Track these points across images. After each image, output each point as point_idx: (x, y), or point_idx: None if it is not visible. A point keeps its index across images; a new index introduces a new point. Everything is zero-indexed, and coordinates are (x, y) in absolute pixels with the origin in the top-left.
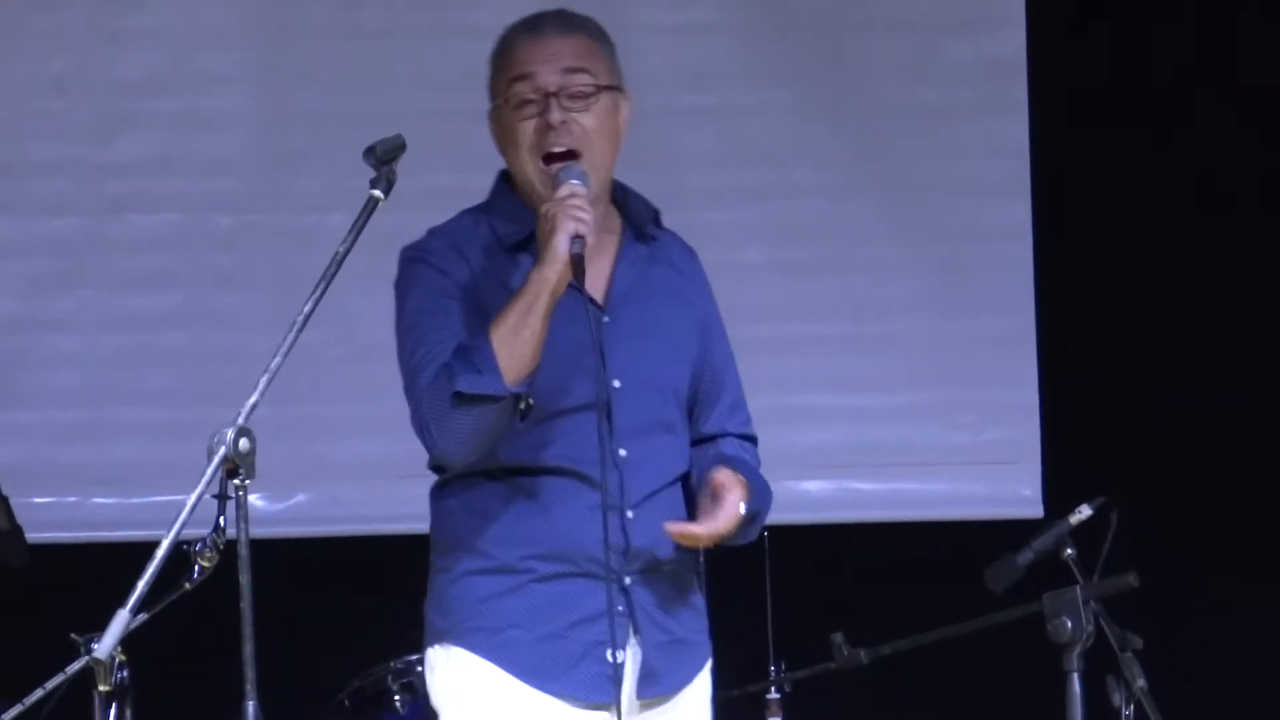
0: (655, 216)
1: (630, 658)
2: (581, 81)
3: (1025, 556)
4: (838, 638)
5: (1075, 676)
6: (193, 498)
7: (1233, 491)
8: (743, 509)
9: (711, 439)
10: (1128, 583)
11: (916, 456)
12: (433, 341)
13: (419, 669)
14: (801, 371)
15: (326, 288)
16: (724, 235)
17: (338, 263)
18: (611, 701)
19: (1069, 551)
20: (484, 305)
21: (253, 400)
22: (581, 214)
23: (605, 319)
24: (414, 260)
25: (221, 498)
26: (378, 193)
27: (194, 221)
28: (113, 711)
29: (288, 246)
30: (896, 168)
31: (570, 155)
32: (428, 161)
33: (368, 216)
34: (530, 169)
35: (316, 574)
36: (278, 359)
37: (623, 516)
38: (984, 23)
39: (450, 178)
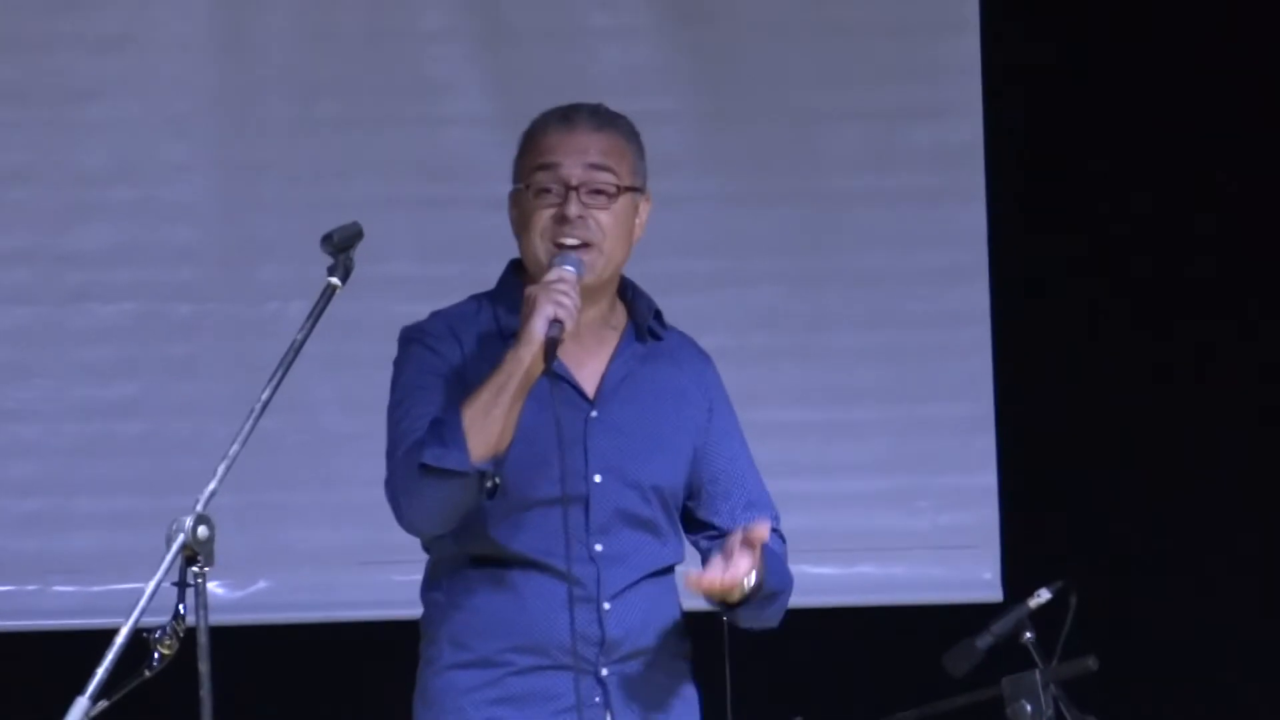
0: (656, 315)
1: None
2: (604, 180)
3: (984, 640)
4: None
5: None
6: (151, 585)
7: (1194, 576)
8: (753, 577)
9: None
10: (1087, 666)
11: (875, 541)
12: (414, 416)
13: None
14: (760, 457)
15: (284, 375)
16: (681, 322)
17: (296, 350)
18: None
19: (1028, 635)
20: (471, 388)
21: (211, 488)
22: (563, 299)
23: (593, 413)
24: (410, 340)
25: (181, 585)
26: (335, 280)
27: (153, 310)
28: None
29: (247, 335)
30: (854, 254)
31: (583, 247)
32: (386, 249)
33: (326, 303)
34: (541, 253)
35: (277, 661)
36: (236, 446)
37: (599, 608)
38: (941, 110)
39: (408, 265)
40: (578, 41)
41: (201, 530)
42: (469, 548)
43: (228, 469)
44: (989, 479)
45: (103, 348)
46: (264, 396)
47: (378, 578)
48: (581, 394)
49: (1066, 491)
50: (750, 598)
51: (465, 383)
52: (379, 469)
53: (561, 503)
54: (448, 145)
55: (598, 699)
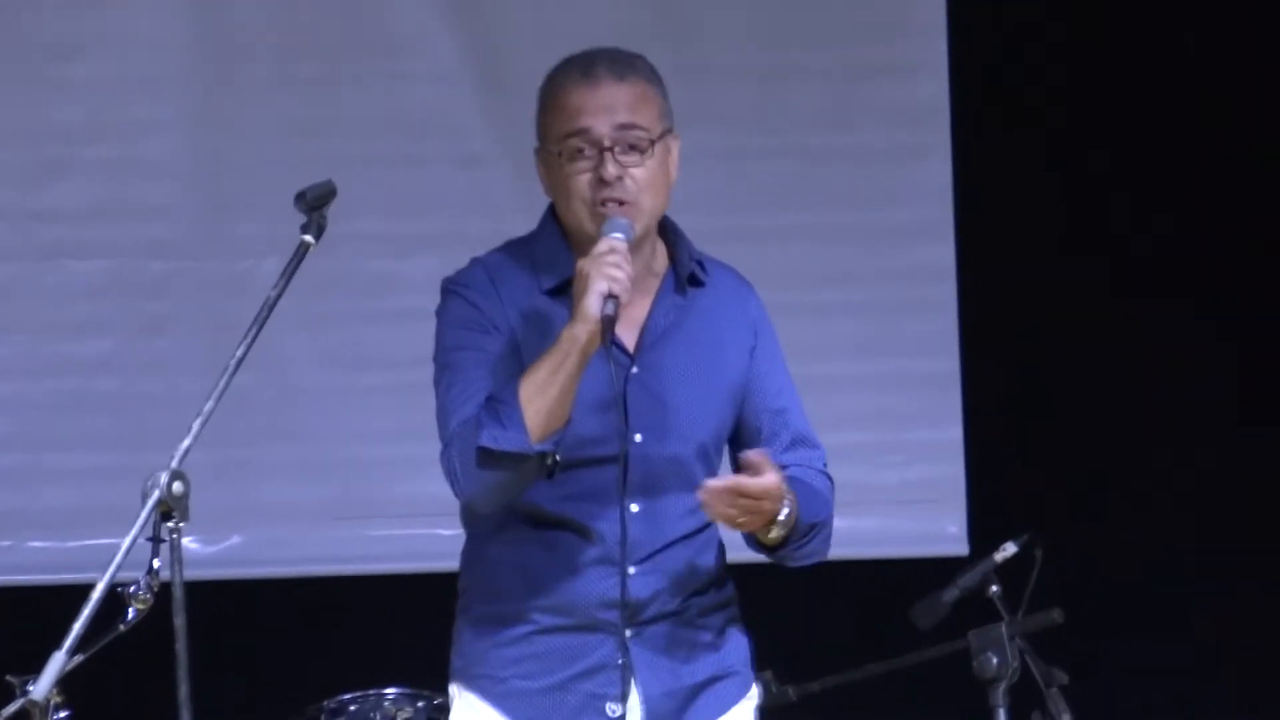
0: (697, 268)
1: (632, 710)
2: (636, 136)
3: (951, 594)
4: (767, 675)
5: (1001, 712)
6: (127, 541)
7: (1157, 528)
8: (786, 511)
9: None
10: (1052, 619)
11: (842, 495)
12: (464, 384)
13: (351, 708)
14: None
15: (259, 332)
16: None
17: (270, 306)
18: None
19: (994, 588)
20: (515, 343)
21: (186, 444)
22: (617, 272)
23: (634, 369)
24: (450, 292)
25: (156, 540)
26: (309, 237)
27: (127, 267)
28: None
29: (221, 292)
30: (820, 212)
31: (622, 204)
32: (358, 206)
33: (299, 261)
34: (585, 219)
35: (251, 616)
36: (210, 403)
37: (623, 572)
38: (907, 67)
39: (381, 222)
40: (546, 0)
41: (176, 486)
42: (517, 508)
43: (202, 425)
44: (955, 434)
45: (77, 305)
46: (238, 353)
47: (351, 532)
48: (622, 348)
49: (1033, 446)
50: (790, 537)
51: (510, 338)
52: (353, 424)
53: (610, 462)
54: (420, 102)
55: (620, 661)
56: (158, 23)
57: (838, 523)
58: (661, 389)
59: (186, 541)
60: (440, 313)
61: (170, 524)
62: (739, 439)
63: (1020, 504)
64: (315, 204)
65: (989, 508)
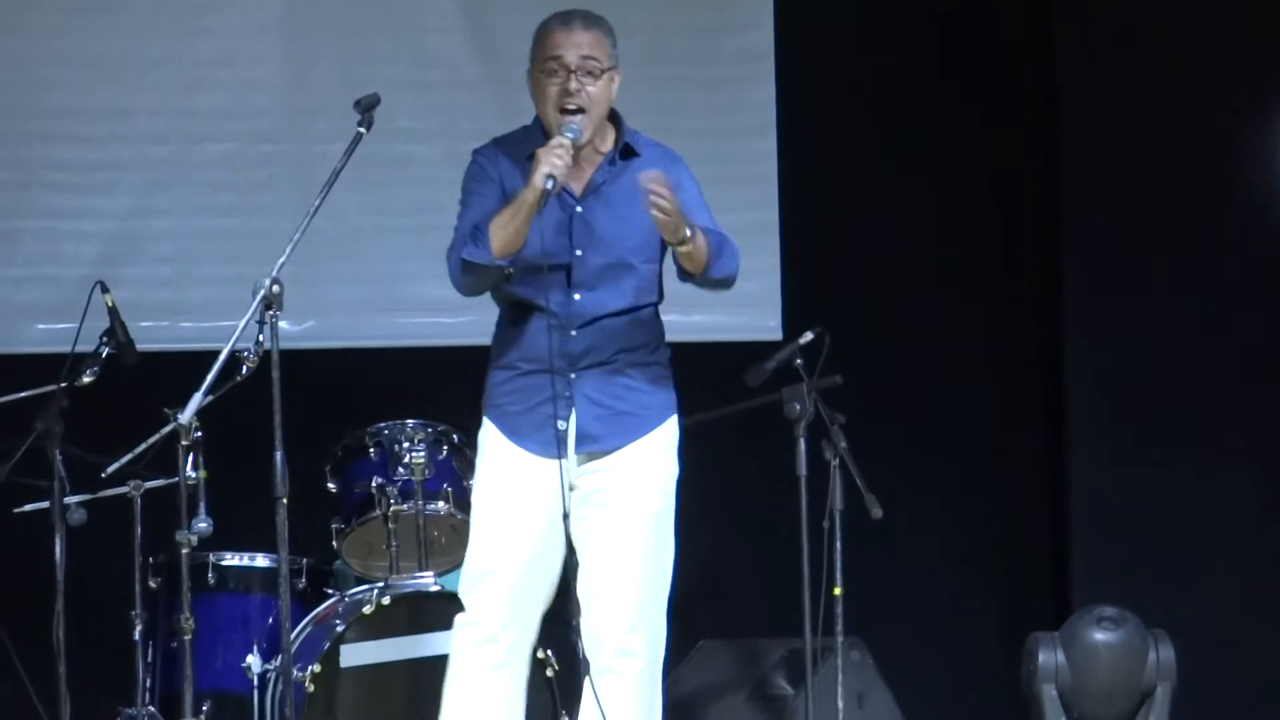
0: (630, 143)
1: (572, 426)
2: (592, 65)
3: (770, 364)
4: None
5: (801, 441)
6: (242, 322)
7: (907, 317)
8: (688, 231)
9: None
10: (835, 381)
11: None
12: (466, 220)
13: (384, 432)
14: None
15: (329, 191)
16: None
17: (336, 174)
18: (560, 454)
19: (798, 361)
20: (503, 188)
21: (281, 260)
22: (558, 161)
23: (578, 208)
24: (474, 159)
25: (260, 323)
26: (362, 130)
27: (244, 149)
28: (190, 458)
29: (304, 165)
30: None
31: (579, 111)
32: (392, 111)
33: (355, 146)
34: (551, 116)
35: (320, 374)
36: (297, 235)
37: (568, 333)
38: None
39: (407, 121)
40: None
41: (275, 288)
42: (506, 295)
43: (292, 249)
44: (774, 261)
45: (211, 172)
46: (316, 203)
47: (387, 319)
48: (572, 195)
49: (832, 250)
50: (706, 262)
51: (497, 186)
52: (388, 250)
53: (560, 268)
54: (434, 46)
55: (568, 394)
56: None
57: (701, 319)
58: (595, 220)
59: (280, 324)
60: (467, 168)
61: (270, 312)
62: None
63: (817, 307)
64: (367, 108)
65: (796, 308)
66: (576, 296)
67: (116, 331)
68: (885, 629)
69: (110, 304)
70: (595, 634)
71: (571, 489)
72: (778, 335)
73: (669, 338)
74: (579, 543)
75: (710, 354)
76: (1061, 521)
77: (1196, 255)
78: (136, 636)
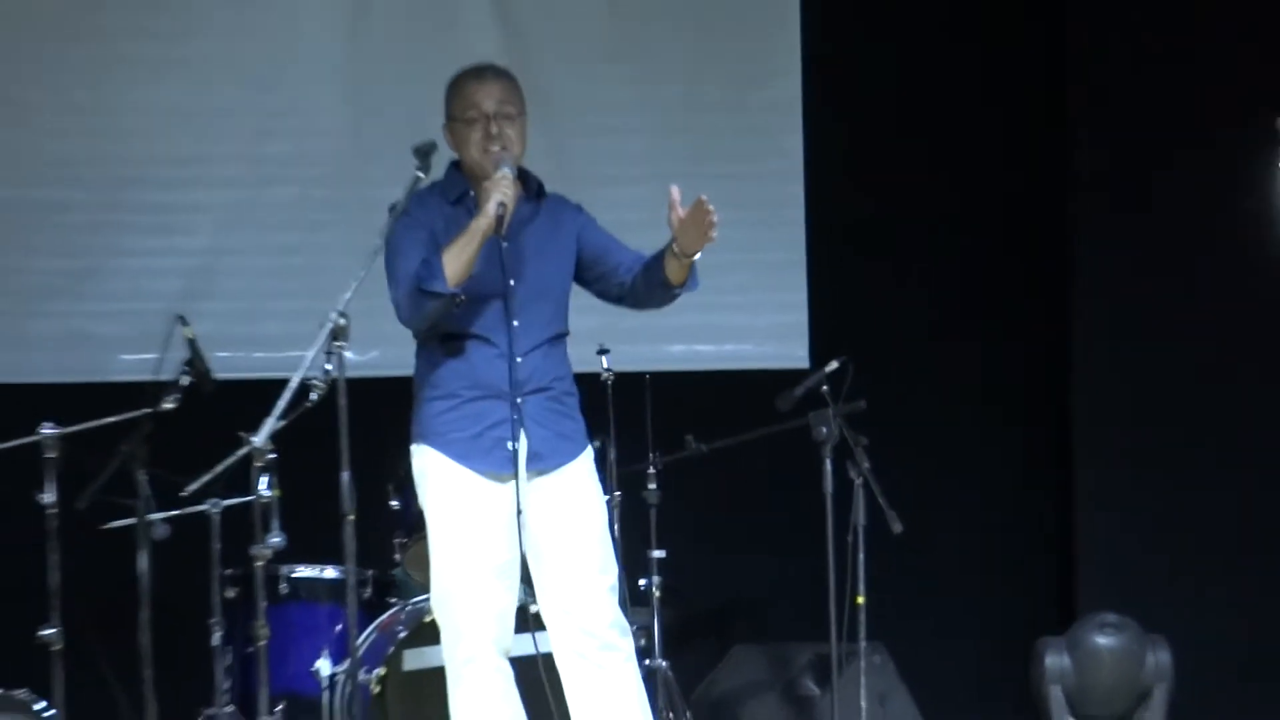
0: (540, 187)
1: (522, 447)
2: (507, 110)
3: (799, 390)
4: (690, 438)
5: (828, 462)
6: (311, 352)
7: (924, 346)
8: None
9: (637, 274)
10: (859, 406)
11: (736, 335)
12: (410, 257)
13: None
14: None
15: (389, 234)
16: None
17: (398, 215)
18: (512, 474)
19: (825, 387)
20: (431, 232)
21: (347, 295)
22: (508, 190)
23: (505, 244)
24: (399, 215)
25: (328, 353)
26: (420, 174)
27: (309, 193)
28: (264, 478)
29: (362, 208)
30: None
31: (504, 149)
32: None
33: (413, 188)
34: (478, 158)
35: (382, 401)
36: (362, 273)
37: (513, 361)
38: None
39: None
40: None
41: (341, 320)
42: (442, 328)
43: (357, 285)
44: (802, 297)
45: (278, 214)
46: (378, 243)
47: None
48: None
49: (855, 286)
50: (687, 278)
51: (429, 232)
52: None
53: (499, 298)
54: None
55: (515, 417)
56: (319, 44)
57: (732, 349)
58: (522, 251)
59: (346, 354)
60: (391, 226)
61: (337, 343)
62: (605, 280)
63: (842, 339)
64: (424, 154)
65: (823, 341)
66: (515, 323)
67: (196, 361)
68: (905, 634)
69: (190, 336)
70: (575, 633)
71: (520, 512)
72: (805, 364)
73: (703, 367)
74: (536, 553)
75: (743, 382)
76: (1068, 534)
77: (1207, 261)
78: (215, 643)
